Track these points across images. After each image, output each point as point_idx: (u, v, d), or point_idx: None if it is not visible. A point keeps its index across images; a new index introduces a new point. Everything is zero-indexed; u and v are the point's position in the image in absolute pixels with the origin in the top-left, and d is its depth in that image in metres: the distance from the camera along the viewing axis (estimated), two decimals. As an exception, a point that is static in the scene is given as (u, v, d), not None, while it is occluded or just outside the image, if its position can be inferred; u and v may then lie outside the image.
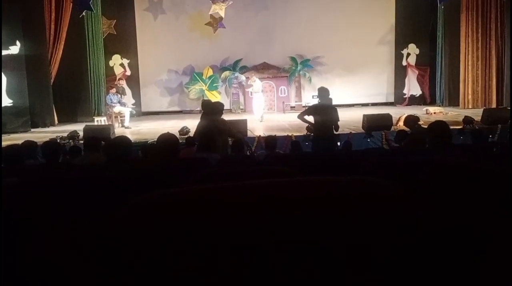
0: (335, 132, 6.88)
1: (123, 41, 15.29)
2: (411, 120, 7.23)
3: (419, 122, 7.30)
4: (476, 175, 1.30)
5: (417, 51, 16.08)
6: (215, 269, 0.77)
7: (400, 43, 16.00)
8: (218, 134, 6.01)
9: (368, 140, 8.60)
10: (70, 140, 8.88)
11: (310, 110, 6.98)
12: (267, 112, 14.46)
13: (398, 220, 0.83)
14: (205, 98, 14.06)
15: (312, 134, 7.11)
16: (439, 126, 3.94)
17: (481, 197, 1.13)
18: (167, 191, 0.93)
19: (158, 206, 0.88)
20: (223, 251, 0.77)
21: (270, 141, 6.10)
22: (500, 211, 1.03)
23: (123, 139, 4.38)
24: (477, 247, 0.83)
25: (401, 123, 9.58)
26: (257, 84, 12.87)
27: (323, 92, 7.04)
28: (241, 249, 0.78)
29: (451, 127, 8.54)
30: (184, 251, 0.78)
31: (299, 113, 7.04)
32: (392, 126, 9.04)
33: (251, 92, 13.48)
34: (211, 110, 6.53)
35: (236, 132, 6.69)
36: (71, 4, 12.69)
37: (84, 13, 13.16)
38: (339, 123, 6.87)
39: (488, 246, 0.84)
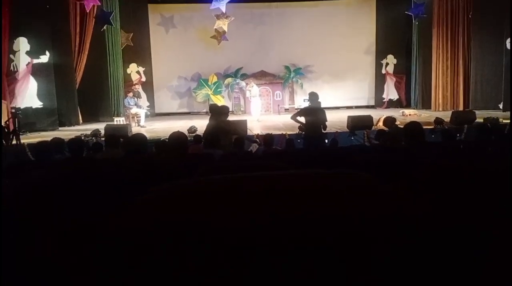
0: (323, 131, 6.88)
1: (139, 51, 15.24)
2: (389, 121, 7.22)
3: (396, 123, 7.30)
4: (470, 174, 1.24)
5: (395, 61, 16.07)
6: (215, 268, 0.69)
7: (380, 54, 15.99)
8: (223, 133, 6.00)
9: (352, 138, 8.60)
10: (93, 138, 8.85)
11: (302, 112, 6.97)
12: (264, 114, 14.43)
13: (397, 218, 0.77)
14: (212, 102, 14.05)
15: (304, 133, 7.10)
16: (414, 126, 3.93)
17: (477, 196, 1.05)
18: (176, 183, 0.92)
19: (164, 200, 0.84)
20: (222, 248, 0.71)
21: (267, 139, 6.09)
22: (499, 210, 0.96)
23: (140, 137, 4.37)
24: (476, 247, 0.75)
25: (380, 123, 9.57)
26: (254, 90, 12.87)
27: (313, 97, 7.03)
28: (241, 245, 0.71)
29: (424, 127, 8.57)
30: (184, 250, 0.71)
31: (292, 115, 7.02)
32: (373, 126, 9.04)
33: (249, 97, 13.44)
34: (217, 112, 6.52)
35: (239, 132, 6.67)
36: (94, 19, 12.66)
37: (104, 27, 13.13)
38: (327, 123, 6.88)
39: (488, 246, 0.76)
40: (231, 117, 11.26)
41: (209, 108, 6.98)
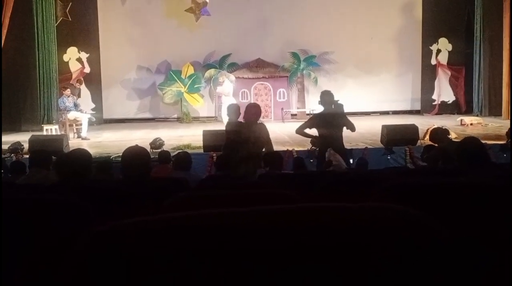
0: (352, 131, 6.91)
1: (81, 30, 15.32)
2: (439, 134, 7.21)
3: (450, 136, 7.32)
4: None
5: (450, 47, 16.24)
6: None
7: (429, 38, 16.17)
8: (239, 146, 6.02)
9: (388, 157, 8.63)
10: (12, 155, 8.82)
11: (311, 122, 6.98)
12: (262, 121, 14.45)
13: (424, 260, 0.85)
14: (186, 103, 14.04)
15: (318, 149, 7.12)
16: (469, 144, 3.95)
17: None
18: (136, 220, 0.93)
19: (123, 238, 0.88)
20: None
21: (270, 158, 6.03)
22: None
23: (81, 153, 4.35)
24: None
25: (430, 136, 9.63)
26: (226, 86, 12.88)
27: (325, 97, 7.01)
28: None
29: (491, 142, 8.64)
30: None
31: (299, 126, 7.04)
32: (419, 141, 9.08)
33: (220, 94, 13.44)
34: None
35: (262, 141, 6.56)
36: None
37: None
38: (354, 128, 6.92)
39: None
40: (214, 127, 11.34)
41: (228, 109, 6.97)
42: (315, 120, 7.02)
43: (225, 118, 12.53)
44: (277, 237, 0.87)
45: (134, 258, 0.85)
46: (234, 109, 6.59)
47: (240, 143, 6.06)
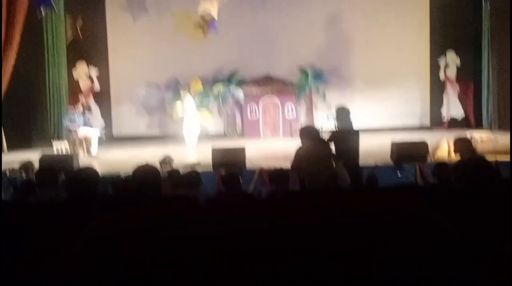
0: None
1: (91, 47, 15.45)
2: (463, 144, 6.93)
3: (474, 147, 7.14)
4: None
5: (458, 61, 16.19)
6: None
7: (437, 51, 16.16)
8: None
9: (398, 174, 8.59)
10: (23, 173, 8.84)
11: (331, 139, 7.01)
12: (270, 137, 14.47)
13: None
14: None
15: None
16: (478, 163, 3.93)
17: None
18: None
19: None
20: None
21: (277, 176, 5.98)
22: None
23: (88, 173, 4.39)
24: None
25: (441, 152, 9.59)
26: (188, 103, 12.72)
27: (343, 114, 7.07)
28: None
29: (503, 159, 8.57)
30: None
31: None
32: (428, 157, 9.04)
33: (181, 113, 13.06)
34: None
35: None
36: (28, 1, 12.82)
37: (43, 13, 13.26)
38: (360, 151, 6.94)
39: None
40: (223, 143, 11.34)
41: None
42: (333, 137, 7.04)
43: (187, 136, 12.42)
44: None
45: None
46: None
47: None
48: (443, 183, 5.62)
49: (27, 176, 8.55)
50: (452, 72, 16.25)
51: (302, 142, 6.69)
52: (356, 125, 7.67)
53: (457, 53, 16.13)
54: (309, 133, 6.76)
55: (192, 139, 12.45)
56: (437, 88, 16.29)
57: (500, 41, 14.57)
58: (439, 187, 5.30)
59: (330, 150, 6.78)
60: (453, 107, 16.28)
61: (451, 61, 16.22)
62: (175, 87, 15.75)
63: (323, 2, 15.95)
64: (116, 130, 15.70)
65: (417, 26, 16.21)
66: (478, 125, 15.72)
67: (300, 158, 6.63)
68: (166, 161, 9.27)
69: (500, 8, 14.11)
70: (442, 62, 16.20)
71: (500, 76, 14.70)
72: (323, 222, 1.03)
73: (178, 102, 12.73)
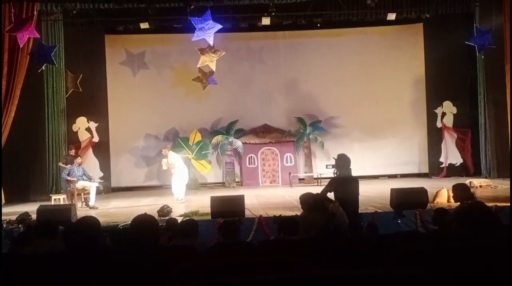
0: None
1: (91, 100, 15.53)
2: (461, 189, 6.89)
3: (472, 192, 7.13)
4: None
5: (454, 110, 16.34)
6: None
7: (434, 100, 16.33)
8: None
9: (399, 221, 8.53)
10: (20, 225, 8.76)
11: (332, 185, 7.01)
12: (269, 186, 14.43)
13: None
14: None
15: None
16: (477, 210, 3.91)
17: None
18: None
19: None
20: None
21: (283, 224, 5.82)
22: None
23: (89, 222, 4.33)
24: None
25: (440, 199, 9.54)
26: (172, 157, 12.54)
27: (343, 162, 7.10)
28: None
29: (503, 204, 8.54)
30: None
31: (321, 191, 7.04)
32: (428, 204, 8.99)
33: (166, 168, 12.63)
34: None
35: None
36: (28, 56, 12.98)
37: (43, 67, 13.42)
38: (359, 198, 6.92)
39: None
40: (222, 192, 11.28)
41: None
42: (334, 184, 7.04)
43: (175, 189, 12.25)
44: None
45: None
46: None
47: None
48: (443, 229, 5.58)
49: (25, 227, 8.47)
50: (449, 121, 16.38)
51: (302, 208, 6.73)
52: (355, 173, 7.66)
53: (453, 103, 16.29)
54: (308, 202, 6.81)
55: (178, 191, 12.28)
56: (435, 137, 16.35)
57: (495, 90, 14.67)
58: (439, 233, 5.25)
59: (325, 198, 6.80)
60: (451, 155, 16.31)
61: (448, 110, 16.36)
62: (174, 139, 15.85)
63: (320, 55, 16.22)
64: (114, 182, 15.65)
65: (414, 78, 16.46)
66: (477, 172, 15.71)
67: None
68: (164, 210, 9.22)
69: (492, 56, 14.29)
70: (439, 111, 16.32)
71: (496, 124, 14.75)
72: (320, 275, 1.00)
73: (164, 160, 12.54)
